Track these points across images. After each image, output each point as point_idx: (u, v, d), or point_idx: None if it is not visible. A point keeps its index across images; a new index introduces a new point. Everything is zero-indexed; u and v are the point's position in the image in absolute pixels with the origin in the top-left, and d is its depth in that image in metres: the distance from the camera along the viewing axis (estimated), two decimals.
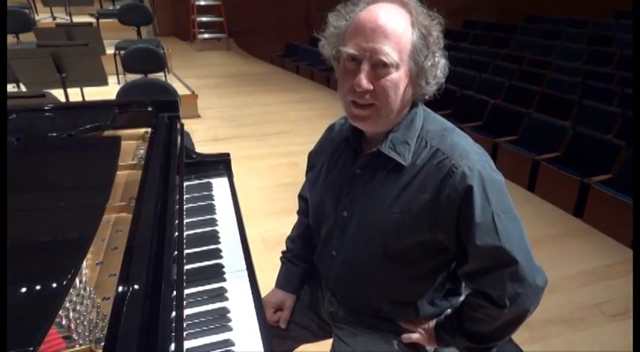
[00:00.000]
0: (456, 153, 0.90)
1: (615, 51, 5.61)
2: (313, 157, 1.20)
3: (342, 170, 1.05)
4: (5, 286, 0.69)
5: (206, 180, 1.57)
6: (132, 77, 4.59)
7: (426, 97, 0.95)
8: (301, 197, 1.29)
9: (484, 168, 0.89)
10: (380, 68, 0.86)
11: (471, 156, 0.90)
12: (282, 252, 1.30)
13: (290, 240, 1.30)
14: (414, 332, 1.07)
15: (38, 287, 0.71)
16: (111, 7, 7.43)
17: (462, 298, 1.09)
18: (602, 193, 2.90)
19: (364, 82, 0.86)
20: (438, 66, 0.90)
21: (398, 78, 0.87)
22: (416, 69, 0.88)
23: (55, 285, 0.72)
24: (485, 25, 8.17)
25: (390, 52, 0.85)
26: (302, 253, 1.25)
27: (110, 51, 5.14)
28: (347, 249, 1.04)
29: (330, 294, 1.16)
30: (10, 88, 4.19)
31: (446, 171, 0.89)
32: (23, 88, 3.66)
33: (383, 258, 0.99)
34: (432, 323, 1.06)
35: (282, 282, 1.25)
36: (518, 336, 1.26)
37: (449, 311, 1.07)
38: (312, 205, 1.15)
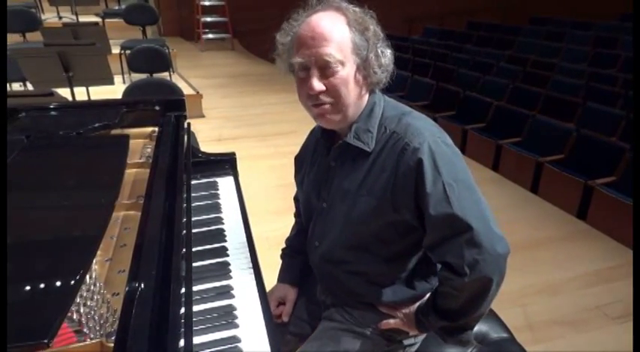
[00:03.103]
0: (409, 132, 0.96)
1: (620, 53, 5.60)
2: (298, 160, 1.27)
3: (320, 165, 1.13)
4: (21, 282, 0.71)
5: (212, 178, 1.59)
6: (137, 77, 4.62)
7: (381, 85, 1.01)
8: (296, 199, 1.37)
9: (435, 142, 0.95)
10: (327, 69, 0.94)
11: (423, 133, 0.96)
12: (282, 249, 1.36)
13: (288, 239, 1.37)
14: (394, 317, 1.10)
15: (51, 283, 0.72)
16: (116, 7, 7.46)
17: None
18: (605, 195, 2.91)
19: (315, 84, 0.95)
20: (382, 56, 0.97)
21: (346, 74, 0.95)
22: (361, 62, 0.96)
23: (67, 281, 0.73)
24: (490, 26, 8.16)
25: (332, 53, 0.93)
26: (300, 248, 1.30)
27: (116, 50, 5.17)
28: (327, 237, 1.11)
29: (322, 285, 1.22)
30: (17, 86, 4.22)
31: (400, 149, 0.95)
32: (30, 87, 3.69)
33: (360, 242, 1.05)
34: (413, 308, 1.09)
35: (282, 276, 1.31)
36: (519, 337, 1.27)
37: (429, 295, 1.09)
38: (302, 203, 1.22)
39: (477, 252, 0.89)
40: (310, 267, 1.27)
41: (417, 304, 1.10)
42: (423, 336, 1.18)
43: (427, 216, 0.93)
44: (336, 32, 0.93)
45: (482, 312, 0.99)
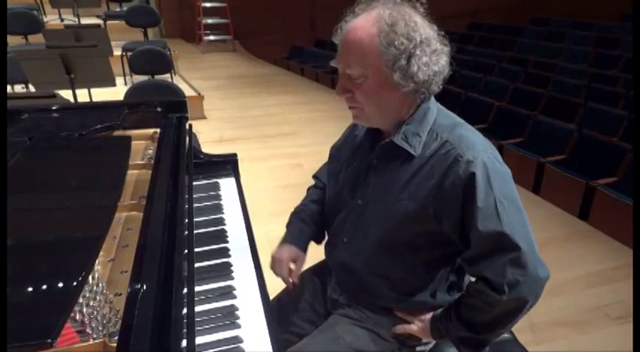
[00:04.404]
0: (463, 144, 0.95)
1: (621, 53, 5.60)
2: (334, 150, 1.26)
3: (361, 161, 1.11)
4: (25, 283, 0.72)
5: (214, 180, 1.59)
6: (138, 78, 4.62)
7: (424, 92, 0.98)
8: (317, 177, 1.35)
9: (489, 158, 0.94)
10: (351, 80, 0.96)
11: (477, 146, 0.94)
12: (293, 214, 1.31)
13: (302, 204, 1.31)
14: (410, 322, 1.10)
15: (55, 284, 0.73)
16: (118, 9, 7.48)
17: None
18: (607, 196, 2.90)
19: (338, 89, 0.99)
20: (418, 61, 0.92)
21: (368, 86, 0.95)
22: (390, 72, 0.93)
23: (70, 281, 0.74)
24: (491, 27, 8.17)
25: (353, 65, 0.94)
26: (314, 216, 1.27)
27: (117, 52, 5.18)
28: (358, 235, 1.09)
29: (335, 282, 1.21)
30: (19, 88, 4.24)
31: (452, 159, 0.94)
32: (32, 89, 3.70)
33: (391, 245, 1.04)
34: (429, 315, 1.09)
35: (293, 239, 1.24)
36: (521, 338, 1.27)
37: (450, 304, 1.08)
38: (330, 196, 1.20)
39: (521, 273, 0.89)
40: (319, 267, 1.27)
41: (433, 312, 1.09)
42: (433, 343, 1.17)
43: (474, 230, 0.91)
44: (362, 44, 0.92)
45: (506, 330, 0.99)
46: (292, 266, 1.21)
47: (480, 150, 0.93)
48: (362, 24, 0.94)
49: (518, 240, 0.89)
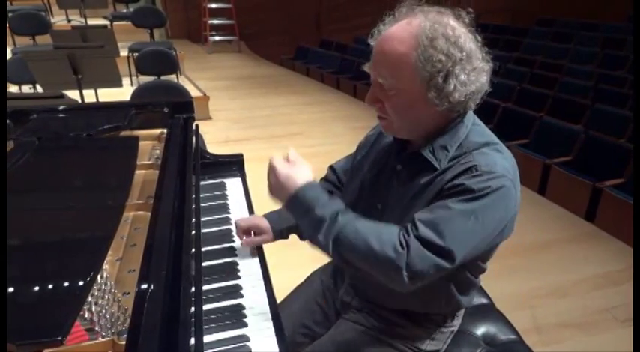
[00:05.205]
0: (483, 161, 0.91)
1: (628, 54, 5.57)
2: (361, 148, 1.22)
3: (385, 164, 1.09)
4: (36, 281, 0.73)
5: (220, 180, 1.60)
6: (145, 79, 4.65)
7: (458, 109, 0.93)
8: (332, 168, 1.31)
9: (501, 183, 0.89)
10: (383, 91, 0.93)
11: (496, 168, 0.90)
12: None
13: None
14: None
15: (64, 282, 0.74)
16: (124, 10, 7.53)
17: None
18: (613, 197, 2.89)
19: (368, 98, 0.97)
20: (455, 83, 0.88)
21: (399, 100, 0.92)
22: (425, 90, 0.89)
23: (79, 280, 0.74)
24: (497, 28, 8.14)
25: (386, 76, 0.91)
26: None
27: (124, 53, 5.21)
28: None
29: (349, 284, 1.19)
30: (27, 89, 4.28)
31: (464, 168, 0.92)
32: (40, 89, 3.73)
33: None
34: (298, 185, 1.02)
35: (274, 217, 1.24)
36: (527, 339, 1.26)
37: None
38: (347, 195, 1.17)
39: (429, 273, 0.86)
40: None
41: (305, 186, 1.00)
42: (444, 348, 1.15)
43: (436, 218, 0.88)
44: (397, 57, 0.89)
45: (355, 264, 0.93)
46: (252, 235, 1.22)
47: (498, 172, 0.90)
48: (400, 34, 0.90)
49: (457, 257, 0.87)
